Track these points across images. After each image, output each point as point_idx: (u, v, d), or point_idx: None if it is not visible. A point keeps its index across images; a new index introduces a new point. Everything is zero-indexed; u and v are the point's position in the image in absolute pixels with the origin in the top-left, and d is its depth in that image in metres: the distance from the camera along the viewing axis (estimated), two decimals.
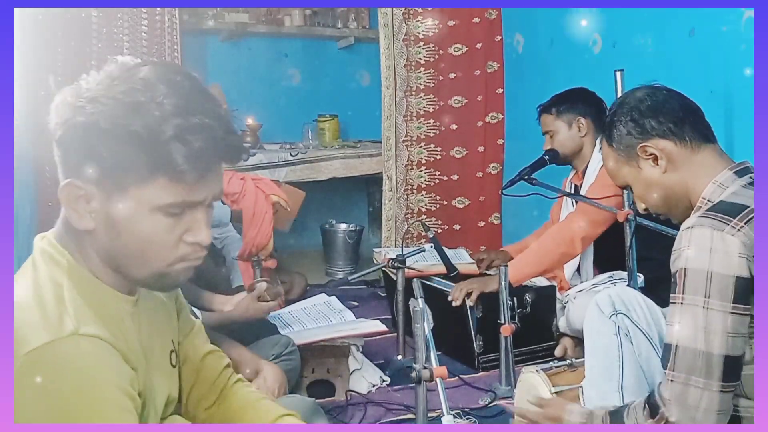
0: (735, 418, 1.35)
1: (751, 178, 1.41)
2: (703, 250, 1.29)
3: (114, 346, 0.96)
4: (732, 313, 1.27)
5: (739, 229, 1.28)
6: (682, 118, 1.47)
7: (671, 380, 1.33)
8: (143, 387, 1.04)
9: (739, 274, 1.27)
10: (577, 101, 2.86)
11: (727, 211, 1.32)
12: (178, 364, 1.24)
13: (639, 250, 2.37)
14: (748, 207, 1.32)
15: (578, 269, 2.89)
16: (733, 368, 1.30)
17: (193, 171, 0.97)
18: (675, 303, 1.34)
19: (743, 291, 1.27)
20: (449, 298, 2.72)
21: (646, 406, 1.39)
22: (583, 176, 2.87)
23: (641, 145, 1.49)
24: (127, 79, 0.97)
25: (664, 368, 1.36)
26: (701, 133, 1.47)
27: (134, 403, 0.97)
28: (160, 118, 0.95)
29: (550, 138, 2.90)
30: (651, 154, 1.48)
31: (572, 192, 2.94)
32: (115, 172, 0.97)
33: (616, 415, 1.46)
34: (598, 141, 2.80)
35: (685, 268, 1.31)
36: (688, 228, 1.33)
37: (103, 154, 0.96)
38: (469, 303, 2.70)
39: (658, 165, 1.48)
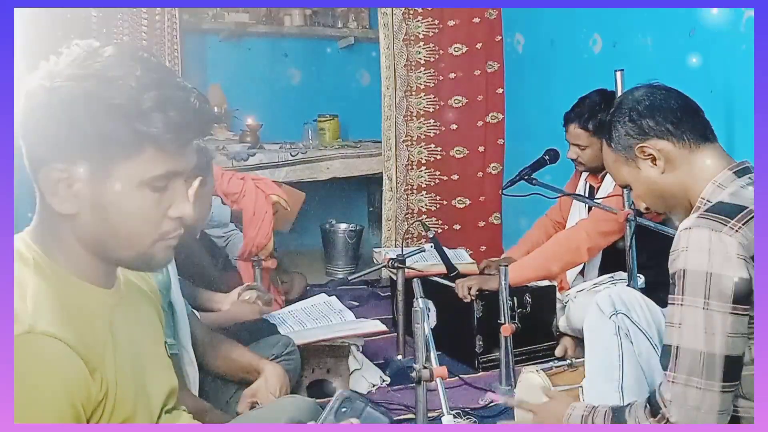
0: (734, 419, 1.35)
1: (750, 178, 1.40)
2: (702, 251, 1.29)
3: (70, 345, 0.94)
4: (732, 313, 1.27)
5: (737, 230, 1.28)
6: (680, 118, 1.46)
7: (672, 381, 1.33)
8: (115, 382, 1.02)
9: (737, 275, 1.26)
10: None
11: (725, 211, 1.32)
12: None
13: (641, 255, 2.36)
14: (747, 208, 1.31)
15: (582, 272, 2.88)
16: (733, 368, 1.29)
17: (176, 140, 0.99)
18: (674, 304, 1.34)
19: (742, 292, 1.27)
20: (460, 295, 2.72)
21: (647, 405, 1.39)
22: (602, 180, 2.83)
23: (639, 145, 1.48)
24: (97, 57, 0.98)
25: (664, 369, 1.35)
26: (700, 132, 1.47)
27: (85, 404, 0.95)
28: (139, 90, 0.96)
29: (579, 150, 2.75)
30: (649, 155, 1.47)
31: (587, 191, 2.91)
32: (100, 149, 0.97)
33: (618, 414, 1.46)
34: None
35: (684, 269, 1.31)
36: (686, 229, 1.33)
37: (86, 131, 0.96)
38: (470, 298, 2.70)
39: (656, 165, 1.47)
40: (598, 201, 2.57)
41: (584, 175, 2.95)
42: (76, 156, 0.97)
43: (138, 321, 1.15)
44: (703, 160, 1.45)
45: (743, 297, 1.27)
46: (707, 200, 1.41)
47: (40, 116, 0.97)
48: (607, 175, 2.78)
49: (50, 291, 0.98)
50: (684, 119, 1.46)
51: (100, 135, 0.96)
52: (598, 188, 2.83)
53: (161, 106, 0.97)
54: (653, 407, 1.37)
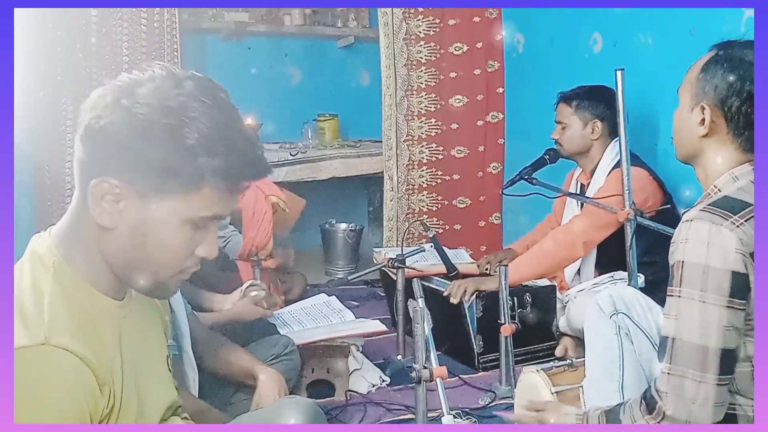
0: (732, 417, 1.35)
1: None
2: (701, 244, 1.29)
3: (83, 359, 0.95)
4: (728, 307, 1.28)
5: (738, 226, 1.29)
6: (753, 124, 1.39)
7: (668, 373, 1.33)
8: (120, 396, 1.03)
9: (734, 269, 1.27)
10: (600, 102, 2.78)
11: (728, 206, 1.32)
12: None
13: (640, 253, 2.36)
14: (751, 205, 1.32)
15: (579, 271, 2.88)
16: (728, 361, 1.30)
17: (233, 185, 1.03)
18: (672, 296, 1.34)
19: (739, 286, 1.27)
20: (445, 293, 2.71)
21: (643, 402, 1.39)
22: (591, 176, 2.85)
23: (703, 103, 1.42)
24: (180, 89, 0.99)
25: (661, 361, 1.35)
26: (751, 144, 1.41)
27: (92, 418, 0.96)
28: (211, 131, 0.98)
29: (561, 129, 2.86)
30: (703, 118, 1.43)
31: (578, 190, 2.92)
32: (160, 180, 0.98)
33: (611, 414, 1.46)
34: (613, 142, 2.77)
35: (683, 261, 1.32)
36: (688, 221, 1.33)
37: (153, 160, 0.97)
38: (466, 302, 2.69)
39: (701, 126, 1.43)
40: (598, 201, 2.57)
41: (576, 174, 2.97)
42: (134, 178, 0.98)
43: (144, 334, 1.15)
44: (734, 155, 1.43)
45: (740, 291, 1.27)
46: (719, 189, 1.41)
47: (111, 131, 0.97)
48: (596, 171, 2.80)
49: (66, 299, 0.99)
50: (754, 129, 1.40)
51: (166, 168, 0.98)
52: (588, 184, 2.84)
53: (229, 151, 0.99)
54: (649, 402, 1.36)
